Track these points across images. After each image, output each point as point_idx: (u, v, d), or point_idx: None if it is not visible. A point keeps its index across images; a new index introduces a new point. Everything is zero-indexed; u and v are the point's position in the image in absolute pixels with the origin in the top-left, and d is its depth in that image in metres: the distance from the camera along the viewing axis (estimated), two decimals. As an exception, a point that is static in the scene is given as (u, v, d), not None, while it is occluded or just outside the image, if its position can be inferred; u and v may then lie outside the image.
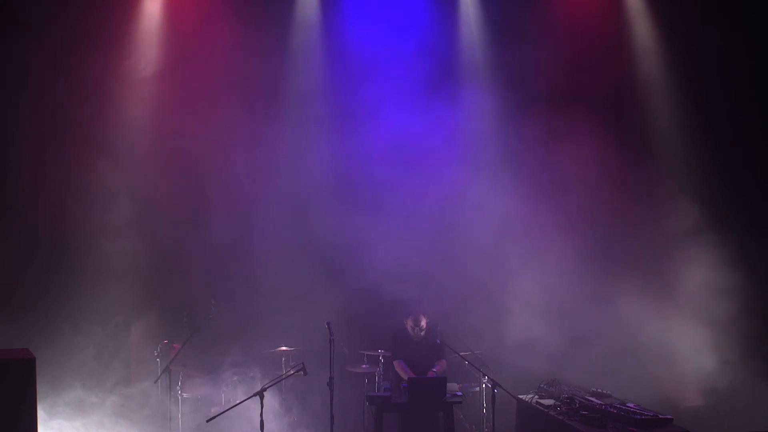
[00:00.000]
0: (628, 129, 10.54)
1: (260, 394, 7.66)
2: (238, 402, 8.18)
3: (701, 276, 9.91)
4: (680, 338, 9.92)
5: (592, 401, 8.08)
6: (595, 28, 10.67)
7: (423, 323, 9.16)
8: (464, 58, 10.81)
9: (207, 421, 7.77)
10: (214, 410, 8.72)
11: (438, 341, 9.04)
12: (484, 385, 9.36)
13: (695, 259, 9.98)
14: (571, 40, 10.54)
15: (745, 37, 10.40)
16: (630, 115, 10.66)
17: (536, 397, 8.53)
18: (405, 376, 8.88)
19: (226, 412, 8.07)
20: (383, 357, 9.64)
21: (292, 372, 8.23)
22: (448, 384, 8.67)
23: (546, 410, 8.15)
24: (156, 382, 9.15)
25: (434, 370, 9.04)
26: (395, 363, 9.19)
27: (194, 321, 9.44)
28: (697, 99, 10.55)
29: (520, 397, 8.65)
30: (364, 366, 9.77)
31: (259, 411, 7.65)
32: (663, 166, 10.55)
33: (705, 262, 9.93)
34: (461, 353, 9.04)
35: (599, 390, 8.45)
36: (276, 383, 8.23)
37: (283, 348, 9.65)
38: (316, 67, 10.61)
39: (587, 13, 10.72)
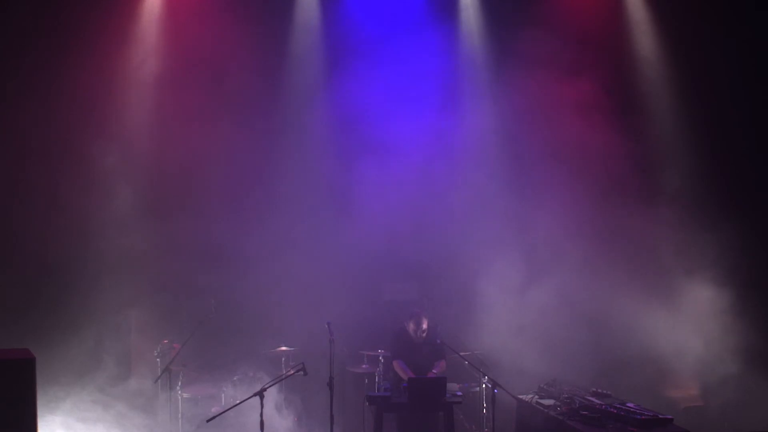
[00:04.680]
0: (630, 131, 10.52)
1: (260, 394, 7.66)
2: (238, 402, 8.17)
3: (701, 275, 9.93)
4: (679, 338, 9.93)
5: (592, 401, 8.08)
6: (596, 31, 10.68)
7: (425, 325, 9.15)
8: (465, 60, 10.81)
9: (207, 421, 7.76)
10: (214, 410, 8.73)
11: (438, 341, 9.04)
12: (484, 385, 9.36)
13: (694, 258, 9.99)
14: (572, 44, 10.54)
15: (748, 36, 10.42)
16: (632, 118, 10.65)
17: (536, 397, 8.53)
18: (405, 377, 8.88)
19: (226, 412, 8.08)
20: (383, 357, 9.65)
21: (292, 372, 8.22)
22: (448, 384, 8.66)
23: (546, 410, 8.15)
24: (156, 382, 9.16)
25: (434, 371, 9.04)
26: (395, 363, 9.19)
27: (194, 320, 9.44)
28: (700, 101, 10.57)
29: (520, 397, 8.65)
30: (364, 366, 9.78)
31: (259, 411, 7.64)
32: (665, 167, 10.56)
33: (704, 261, 9.95)
34: (461, 353, 9.04)
35: (599, 390, 8.45)
36: (276, 383, 8.23)
37: (283, 348, 9.65)
38: (316, 70, 10.62)
39: (588, 16, 10.73)
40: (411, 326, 9.19)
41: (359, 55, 10.50)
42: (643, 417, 7.50)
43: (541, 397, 8.50)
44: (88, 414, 9.07)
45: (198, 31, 10.07)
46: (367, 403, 8.96)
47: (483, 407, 9.42)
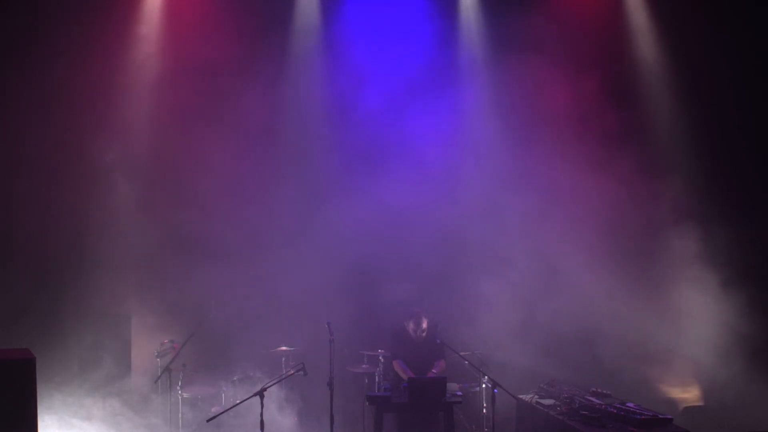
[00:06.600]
0: (631, 131, 10.52)
1: (260, 394, 7.66)
2: (238, 402, 8.18)
3: (701, 275, 9.93)
4: (679, 337, 9.94)
5: (592, 401, 8.08)
6: (596, 31, 10.68)
7: (424, 325, 9.15)
8: (465, 63, 10.81)
9: (207, 421, 7.77)
10: (214, 410, 8.73)
11: (438, 341, 9.03)
12: (484, 385, 9.36)
13: (693, 256, 10.00)
14: (572, 48, 10.54)
15: (749, 35, 10.43)
16: (632, 118, 10.65)
17: (536, 397, 8.54)
18: (404, 376, 8.88)
19: (226, 412, 8.08)
20: (383, 357, 9.65)
21: (292, 372, 8.23)
22: (448, 384, 8.66)
23: (546, 410, 8.16)
24: (156, 382, 9.16)
25: (434, 371, 9.04)
26: (394, 363, 9.19)
27: (194, 320, 9.44)
28: (700, 100, 10.58)
29: (520, 397, 8.66)
30: (364, 366, 9.78)
31: (259, 411, 7.64)
32: (668, 168, 10.57)
33: (703, 259, 9.96)
34: (461, 353, 9.04)
35: (599, 390, 8.45)
36: (276, 383, 8.23)
37: (283, 348, 9.66)
38: (316, 70, 10.63)
39: (589, 15, 10.73)
40: (411, 326, 9.18)
41: (359, 55, 10.51)
42: (643, 417, 7.51)
43: (541, 397, 8.50)
44: (86, 414, 9.07)
45: (197, 31, 10.07)
46: (367, 403, 8.96)
47: (483, 407, 9.42)
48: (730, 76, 10.47)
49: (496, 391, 8.17)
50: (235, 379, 9.26)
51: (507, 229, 10.16)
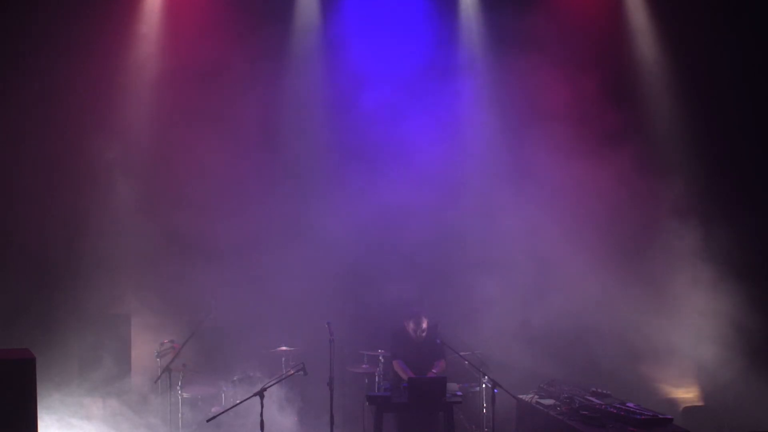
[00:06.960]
0: (632, 131, 10.52)
1: (260, 394, 7.65)
2: (238, 402, 8.17)
3: (700, 273, 9.94)
4: (679, 337, 9.94)
5: (592, 401, 8.08)
6: (596, 31, 10.68)
7: (424, 324, 9.15)
8: (465, 62, 10.80)
9: (207, 421, 7.76)
10: (214, 410, 8.72)
11: (438, 341, 9.03)
12: (484, 385, 9.35)
13: (693, 256, 10.00)
14: (572, 48, 10.53)
15: (750, 34, 10.43)
16: (633, 118, 10.65)
17: (536, 397, 8.54)
18: (404, 376, 8.88)
19: (226, 412, 8.08)
20: (383, 357, 9.65)
21: (292, 372, 8.23)
22: (448, 384, 8.66)
23: (546, 410, 8.16)
24: (156, 382, 9.16)
25: (434, 371, 9.04)
26: (394, 363, 9.19)
27: (194, 320, 9.43)
28: (700, 100, 10.58)
29: (520, 397, 8.65)
30: (364, 366, 9.78)
31: (259, 411, 7.64)
32: (668, 169, 10.56)
33: (703, 258, 9.96)
34: (461, 353, 9.04)
35: (599, 390, 8.45)
36: (276, 383, 8.23)
37: (283, 348, 9.65)
38: (316, 72, 10.63)
39: (589, 15, 10.73)
40: (410, 326, 9.18)
41: (359, 55, 10.51)
42: (643, 417, 7.51)
43: (541, 397, 8.50)
44: (86, 413, 9.07)
45: (197, 31, 10.07)
46: (367, 403, 8.96)
47: (483, 407, 9.42)
48: (730, 76, 10.47)
49: (496, 391, 8.17)
50: (235, 379, 9.26)
51: (507, 228, 10.16)
